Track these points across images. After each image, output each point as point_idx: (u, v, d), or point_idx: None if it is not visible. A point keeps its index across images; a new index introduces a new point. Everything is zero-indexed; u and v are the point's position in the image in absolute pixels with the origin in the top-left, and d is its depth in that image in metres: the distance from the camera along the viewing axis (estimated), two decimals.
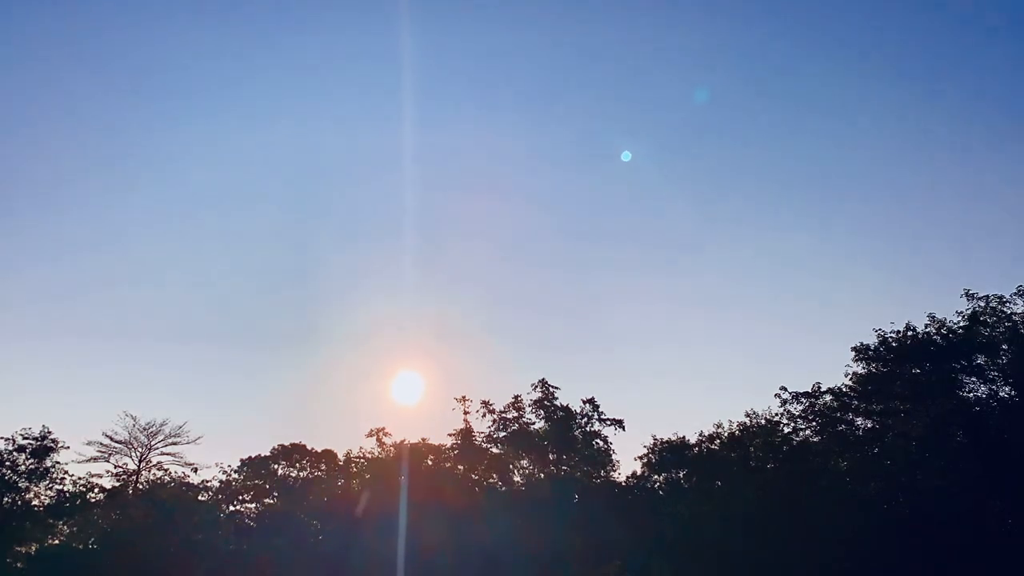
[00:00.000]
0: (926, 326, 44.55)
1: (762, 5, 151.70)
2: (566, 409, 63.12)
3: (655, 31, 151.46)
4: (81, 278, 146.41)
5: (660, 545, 54.52)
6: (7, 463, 50.90)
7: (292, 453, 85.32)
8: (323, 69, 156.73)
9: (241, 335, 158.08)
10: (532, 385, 63.98)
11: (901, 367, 44.27)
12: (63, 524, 52.92)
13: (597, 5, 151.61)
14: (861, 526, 39.56)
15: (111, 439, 59.00)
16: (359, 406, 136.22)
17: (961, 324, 43.42)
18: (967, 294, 43.83)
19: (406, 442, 68.83)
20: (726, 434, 54.80)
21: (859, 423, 46.24)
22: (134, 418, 60.06)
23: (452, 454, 66.34)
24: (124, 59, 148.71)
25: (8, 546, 48.66)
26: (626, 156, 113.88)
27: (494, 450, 64.79)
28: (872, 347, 45.67)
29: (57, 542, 52.55)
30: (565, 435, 61.98)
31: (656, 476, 65.99)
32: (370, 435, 70.13)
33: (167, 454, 61.18)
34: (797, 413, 47.99)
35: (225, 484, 79.89)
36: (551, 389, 63.75)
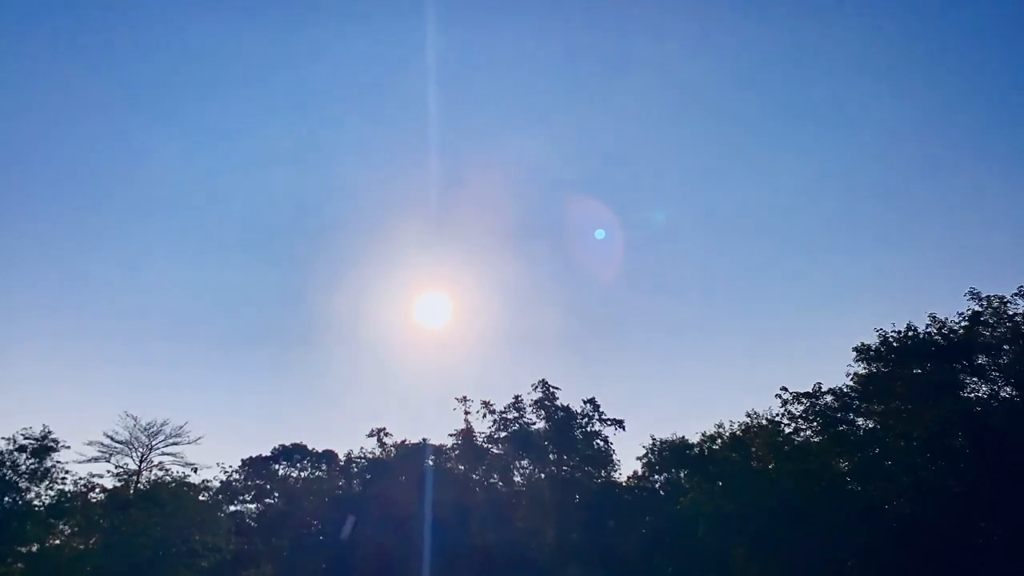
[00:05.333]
0: (927, 326, 44.38)
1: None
2: (566, 409, 63.17)
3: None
4: (81, 278, 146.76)
5: (660, 545, 54.48)
6: (7, 463, 50.88)
7: (293, 453, 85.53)
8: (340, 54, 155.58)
9: (241, 335, 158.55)
10: (532, 385, 64.16)
11: (902, 367, 44.08)
12: (63, 524, 52.77)
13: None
14: (862, 526, 39.47)
15: (112, 439, 58.86)
16: (360, 403, 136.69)
17: (962, 324, 43.25)
18: (972, 294, 43.53)
19: (407, 442, 68.89)
20: (727, 434, 54.72)
21: (860, 423, 46.09)
22: (135, 418, 59.93)
23: (453, 454, 66.33)
24: (133, 55, 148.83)
25: (8, 546, 48.59)
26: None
27: (495, 450, 64.83)
28: (873, 347, 45.51)
29: (57, 542, 52.46)
30: (566, 435, 62.00)
31: (657, 476, 66.00)
32: (371, 435, 70.32)
33: (168, 454, 60.98)
34: (798, 413, 47.83)
35: (226, 484, 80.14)
36: (551, 389, 63.82)
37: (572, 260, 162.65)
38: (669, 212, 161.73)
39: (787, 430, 48.07)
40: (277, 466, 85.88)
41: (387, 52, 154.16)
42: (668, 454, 63.38)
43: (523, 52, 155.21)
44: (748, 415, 53.22)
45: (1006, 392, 40.95)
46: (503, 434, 63.51)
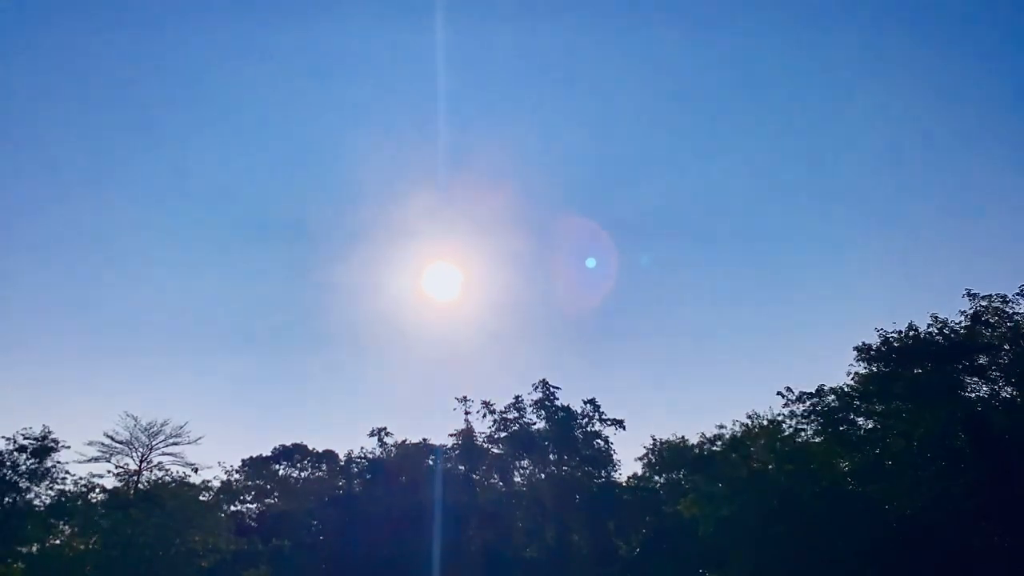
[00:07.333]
0: (928, 326, 44.31)
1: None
2: (567, 409, 63.07)
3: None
4: (82, 278, 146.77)
5: (660, 545, 54.46)
6: (8, 463, 50.88)
7: (293, 453, 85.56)
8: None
9: (242, 335, 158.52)
10: (533, 385, 64.04)
11: (903, 367, 44.01)
12: (64, 524, 52.81)
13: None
14: (863, 527, 39.43)
15: (112, 439, 58.76)
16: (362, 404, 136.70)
17: (963, 324, 43.19)
18: (969, 294, 43.56)
19: (407, 442, 68.82)
20: (727, 435, 54.63)
21: (861, 423, 46.01)
22: (135, 418, 59.83)
23: (453, 454, 66.25)
24: (138, 53, 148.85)
25: (8, 546, 48.58)
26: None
27: (495, 450, 64.74)
28: (874, 347, 45.42)
29: (58, 542, 52.48)
30: (566, 435, 61.91)
31: (657, 476, 66.00)
32: (371, 435, 70.18)
33: (168, 454, 60.90)
34: (799, 413, 47.76)
35: (226, 484, 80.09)
36: (552, 389, 63.73)
37: (573, 259, 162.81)
38: (671, 204, 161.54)
39: (788, 430, 48.00)
40: (277, 466, 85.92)
41: (396, 37, 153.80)
42: (668, 454, 63.39)
43: (530, 38, 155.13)
44: (749, 416, 53.14)
45: (1007, 392, 40.91)
46: (503, 434, 63.43)
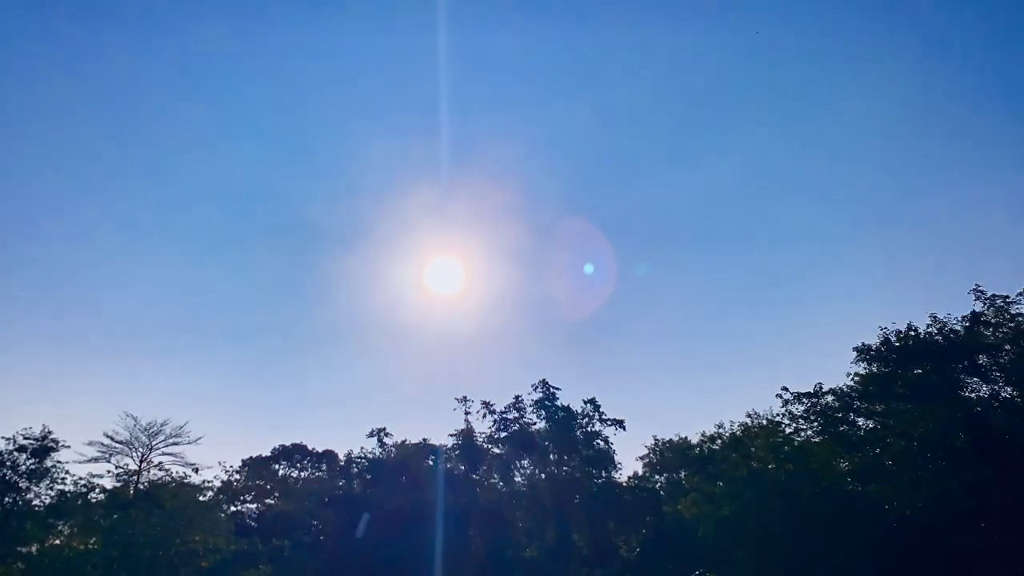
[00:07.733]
0: (928, 326, 44.35)
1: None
2: (567, 409, 63.08)
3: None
4: (82, 277, 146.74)
5: (660, 545, 54.46)
6: (8, 463, 50.87)
7: (293, 453, 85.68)
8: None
9: (242, 334, 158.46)
10: (533, 385, 64.10)
11: (903, 367, 44.03)
12: (63, 524, 52.80)
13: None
14: (863, 527, 39.44)
15: (112, 439, 58.82)
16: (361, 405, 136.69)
17: (963, 324, 43.21)
18: (976, 291, 43.46)
19: (407, 442, 68.83)
20: (727, 435, 54.69)
21: (861, 424, 46.02)
22: (135, 418, 59.88)
23: (453, 454, 66.26)
24: (138, 52, 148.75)
25: (8, 546, 48.55)
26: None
27: (495, 450, 64.72)
28: (874, 347, 45.46)
29: (58, 542, 52.44)
30: (566, 435, 61.90)
31: (657, 476, 66.06)
32: (371, 435, 70.19)
33: (168, 454, 60.94)
34: (799, 413, 47.80)
35: (226, 484, 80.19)
36: (552, 389, 63.73)
37: (572, 261, 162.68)
38: (671, 202, 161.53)
39: (788, 430, 48.02)
40: (277, 466, 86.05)
41: (399, 34, 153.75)
42: (669, 454, 63.46)
43: (532, 37, 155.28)
44: (748, 415, 53.26)
45: (1007, 392, 40.90)
46: (503, 434, 63.43)
